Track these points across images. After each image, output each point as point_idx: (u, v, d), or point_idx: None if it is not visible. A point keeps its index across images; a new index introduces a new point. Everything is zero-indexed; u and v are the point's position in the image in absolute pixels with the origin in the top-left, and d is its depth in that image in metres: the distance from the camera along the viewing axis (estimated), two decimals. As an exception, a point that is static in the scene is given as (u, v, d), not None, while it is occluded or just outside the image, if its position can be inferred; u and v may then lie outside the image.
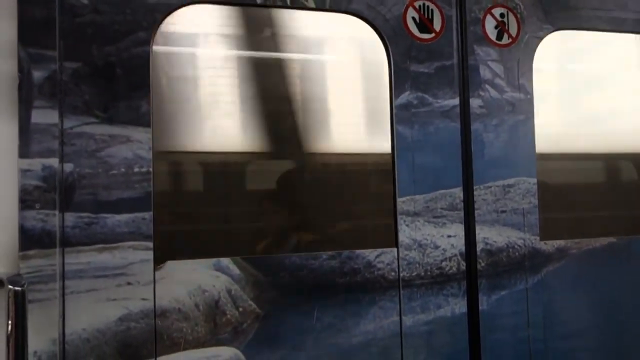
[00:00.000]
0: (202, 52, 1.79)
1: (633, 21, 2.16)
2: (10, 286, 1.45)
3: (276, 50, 1.86)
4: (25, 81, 1.56)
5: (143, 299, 1.62)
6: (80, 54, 1.62)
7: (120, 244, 1.62)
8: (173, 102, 1.74)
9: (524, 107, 2.00)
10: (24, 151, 1.55)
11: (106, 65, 1.64)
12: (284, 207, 1.87)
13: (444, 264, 1.90)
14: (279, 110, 1.85)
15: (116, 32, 1.65)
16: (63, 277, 1.56)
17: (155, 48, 1.69)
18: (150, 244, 1.63)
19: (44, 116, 1.57)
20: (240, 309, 1.71)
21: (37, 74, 1.57)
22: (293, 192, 1.90)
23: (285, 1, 1.81)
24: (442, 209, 1.91)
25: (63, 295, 1.56)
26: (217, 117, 1.80)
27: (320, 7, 1.84)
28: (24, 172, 1.55)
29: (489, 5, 1.99)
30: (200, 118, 1.78)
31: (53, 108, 1.58)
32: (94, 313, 1.58)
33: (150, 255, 1.63)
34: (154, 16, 1.68)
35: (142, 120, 1.66)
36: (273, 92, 1.85)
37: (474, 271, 1.92)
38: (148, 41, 1.67)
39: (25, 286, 1.47)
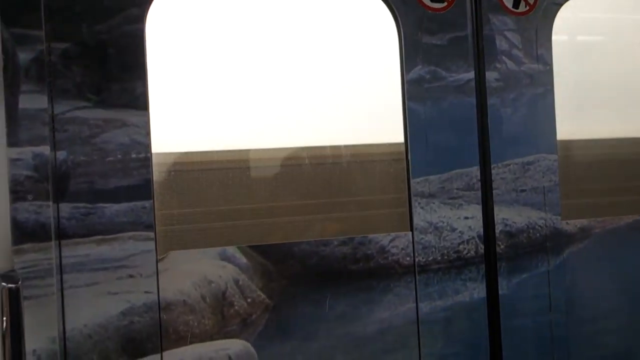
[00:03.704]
0: (198, 29, 1.69)
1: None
2: (3, 283, 1.37)
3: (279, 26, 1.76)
4: (10, 64, 1.47)
5: (146, 292, 1.57)
6: (68, 34, 1.53)
7: (119, 234, 1.55)
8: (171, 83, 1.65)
9: (543, 79, 1.90)
10: (13, 139, 1.47)
11: (97, 45, 1.55)
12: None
13: (461, 247, 1.83)
14: (284, 91, 1.76)
15: (107, 9, 1.56)
16: (61, 271, 1.50)
17: (149, 25, 1.59)
18: (152, 234, 1.56)
19: (33, 101, 1.49)
20: (249, 300, 1.66)
21: (23, 56, 1.48)
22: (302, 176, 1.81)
23: (287, -27, 1.71)
24: (458, 189, 1.83)
25: (62, 290, 1.50)
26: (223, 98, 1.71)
27: (324, -22, 1.75)
28: (13, 162, 1.47)
29: (505, -29, 1.89)
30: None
31: (42, 92, 1.50)
32: (94, 308, 1.52)
33: (152, 245, 1.57)
34: (147, -9, 1.60)
35: (138, 102, 1.57)
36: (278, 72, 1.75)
37: (493, 254, 1.85)
38: (142, 18, 1.58)
39: (20, 283, 1.40)
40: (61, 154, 1.52)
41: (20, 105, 1.48)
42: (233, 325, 1.64)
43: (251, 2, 1.73)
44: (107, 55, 1.56)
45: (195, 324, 1.60)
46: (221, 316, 1.63)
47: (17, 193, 1.47)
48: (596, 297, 1.96)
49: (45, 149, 1.49)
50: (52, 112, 1.51)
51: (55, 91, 1.51)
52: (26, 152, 1.48)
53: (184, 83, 1.67)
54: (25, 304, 1.41)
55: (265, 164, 1.77)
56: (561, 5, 1.94)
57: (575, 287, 1.92)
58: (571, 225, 1.93)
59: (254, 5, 1.74)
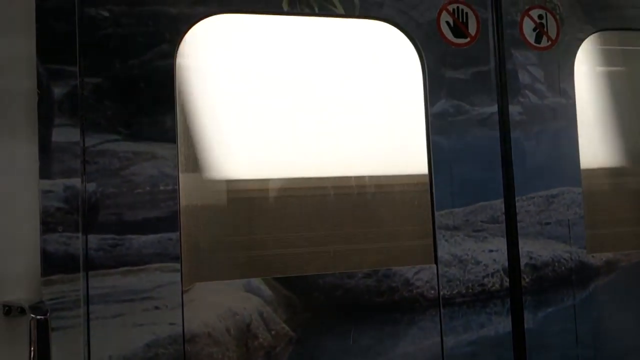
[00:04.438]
0: (227, 65, 1.72)
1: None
2: (32, 315, 1.37)
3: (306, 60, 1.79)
4: (44, 98, 1.50)
5: (171, 324, 1.55)
6: (101, 69, 1.56)
7: (146, 266, 1.55)
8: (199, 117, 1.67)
9: (566, 113, 1.90)
10: (45, 171, 1.49)
11: (129, 80, 1.58)
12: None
13: (486, 280, 1.80)
14: (309, 124, 1.78)
15: (138, 45, 1.59)
16: (87, 303, 1.49)
17: (180, 60, 1.62)
18: (178, 265, 1.56)
19: (65, 134, 1.51)
20: (273, 332, 1.64)
21: (57, 91, 1.51)
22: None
23: (312, 9, 1.73)
24: (482, 222, 1.82)
25: (88, 321, 1.49)
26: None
27: (349, 14, 1.76)
28: (45, 194, 1.48)
29: (526, 7, 1.90)
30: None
31: (74, 125, 1.52)
32: (120, 339, 1.51)
33: (177, 277, 1.56)
34: (178, 27, 1.62)
35: (167, 136, 1.59)
36: (304, 106, 1.77)
37: (518, 287, 1.83)
38: (172, 54, 1.61)
39: (48, 314, 1.39)
40: (91, 186, 1.52)
41: (53, 139, 1.49)
42: (257, 357, 1.62)
43: (279, 38, 1.76)
44: (138, 90, 1.58)
45: (220, 356, 1.59)
46: (245, 348, 1.61)
47: (47, 224, 1.48)
48: (624, 331, 1.92)
49: (76, 181, 1.50)
50: (84, 144, 1.52)
51: (86, 124, 1.53)
52: (58, 184, 1.49)
53: (213, 115, 1.69)
54: (52, 335, 1.40)
55: (292, 195, 1.78)
56: (583, 40, 1.95)
57: (603, 321, 1.89)
58: (597, 258, 1.91)
59: (282, 41, 1.77)
